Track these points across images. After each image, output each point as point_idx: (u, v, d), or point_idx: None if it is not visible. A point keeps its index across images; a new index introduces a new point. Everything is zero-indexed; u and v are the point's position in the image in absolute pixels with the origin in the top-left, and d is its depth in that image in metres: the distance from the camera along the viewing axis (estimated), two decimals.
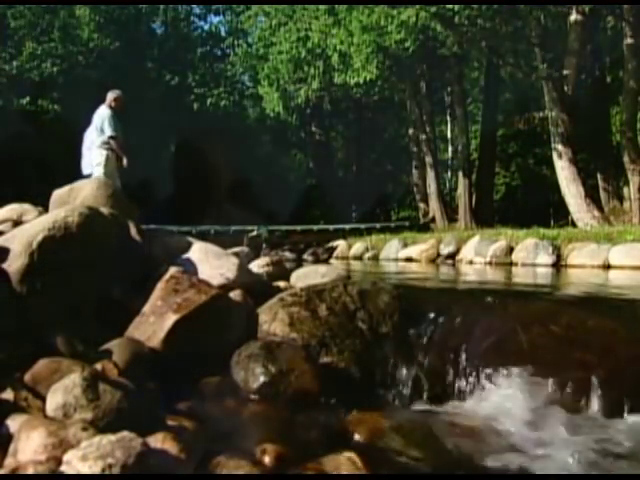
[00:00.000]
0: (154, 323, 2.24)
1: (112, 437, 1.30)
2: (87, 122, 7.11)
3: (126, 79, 21.75)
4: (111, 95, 7.12)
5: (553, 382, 2.08)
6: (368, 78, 14.58)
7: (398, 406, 2.22)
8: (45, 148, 18.78)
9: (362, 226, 16.73)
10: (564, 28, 13.57)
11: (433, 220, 18.84)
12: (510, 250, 9.11)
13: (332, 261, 9.69)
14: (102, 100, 7.09)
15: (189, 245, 3.03)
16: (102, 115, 6.92)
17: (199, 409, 1.92)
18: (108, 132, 6.79)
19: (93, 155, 7.01)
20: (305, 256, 9.41)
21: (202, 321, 2.28)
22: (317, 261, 8.73)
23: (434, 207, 19.03)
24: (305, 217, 23.85)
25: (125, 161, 6.84)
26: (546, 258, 8.41)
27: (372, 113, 27.73)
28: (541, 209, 23.75)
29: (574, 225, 13.04)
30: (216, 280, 2.64)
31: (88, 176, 7.34)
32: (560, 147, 13.14)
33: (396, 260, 11.01)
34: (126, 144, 7.10)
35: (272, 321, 2.48)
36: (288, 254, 9.20)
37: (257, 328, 2.49)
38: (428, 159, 19.00)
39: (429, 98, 19.89)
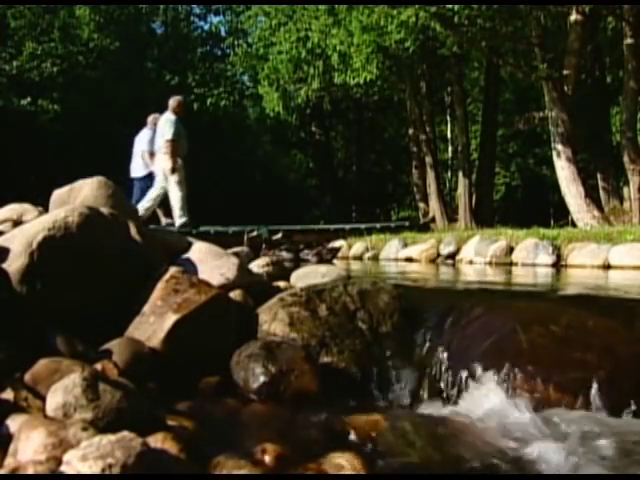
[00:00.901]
0: (154, 323, 2.24)
1: (112, 437, 1.30)
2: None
3: (126, 79, 21.78)
4: (173, 102, 7.21)
5: (553, 382, 2.08)
6: (368, 78, 14.56)
7: (398, 406, 2.22)
8: (45, 148, 18.77)
9: (362, 226, 16.71)
10: (564, 28, 13.56)
11: (433, 220, 18.82)
12: (510, 250, 9.10)
13: (334, 261, 9.68)
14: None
15: (189, 245, 3.03)
16: (167, 120, 7.05)
17: (199, 409, 1.92)
18: (167, 135, 6.90)
19: (157, 160, 7.16)
20: (309, 257, 9.39)
21: (202, 321, 2.28)
22: (321, 261, 8.72)
23: (434, 207, 19.02)
24: (305, 217, 23.87)
25: (169, 165, 6.91)
26: (546, 258, 8.39)
27: (372, 113, 27.76)
28: (541, 209, 23.80)
29: (574, 225, 13.03)
30: (216, 280, 2.64)
31: (140, 179, 7.49)
32: (560, 147, 13.12)
33: (396, 260, 10.99)
34: (185, 152, 7.23)
35: (272, 321, 2.48)
36: (285, 254, 9.17)
37: (257, 328, 2.49)
38: (428, 159, 18.98)
39: (429, 98, 19.88)
